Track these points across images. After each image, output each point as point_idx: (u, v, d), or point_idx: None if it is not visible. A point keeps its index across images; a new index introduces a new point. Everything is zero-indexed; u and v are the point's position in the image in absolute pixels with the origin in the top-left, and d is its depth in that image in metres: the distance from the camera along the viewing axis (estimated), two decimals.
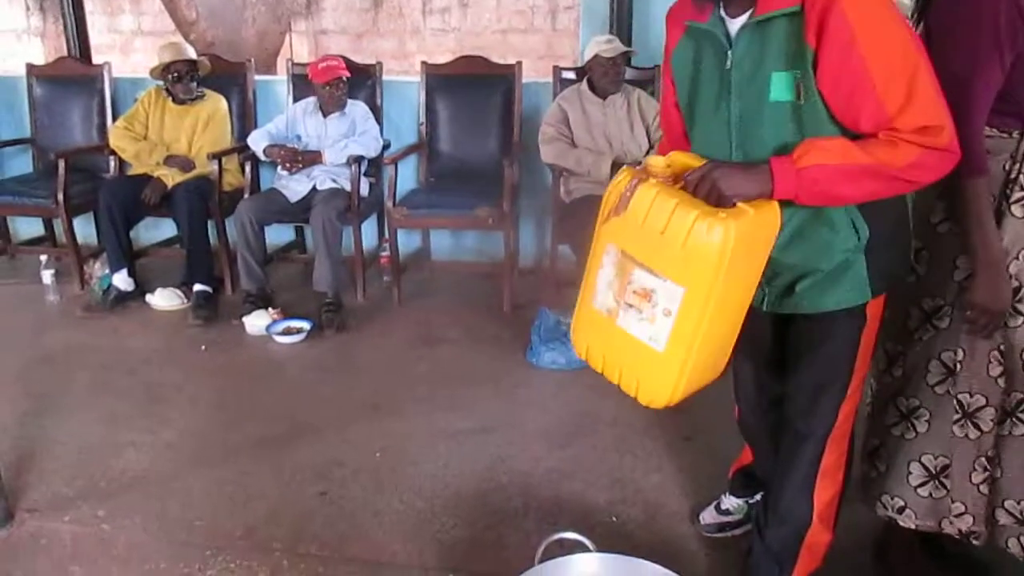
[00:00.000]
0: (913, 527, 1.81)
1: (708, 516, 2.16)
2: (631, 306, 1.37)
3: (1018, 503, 1.69)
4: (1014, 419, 1.65)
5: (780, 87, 1.37)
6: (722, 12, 1.43)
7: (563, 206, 3.54)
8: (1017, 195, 1.56)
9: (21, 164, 4.53)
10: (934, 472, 1.76)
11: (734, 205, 1.30)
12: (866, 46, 1.28)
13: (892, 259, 1.57)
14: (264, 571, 2.02)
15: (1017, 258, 1.57)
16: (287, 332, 3.48)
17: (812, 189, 1.33)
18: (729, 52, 1.43)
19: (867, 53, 1.29)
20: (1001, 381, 1.63)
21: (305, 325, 3.50)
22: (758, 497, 2.03)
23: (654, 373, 1.39)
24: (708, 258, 1.27)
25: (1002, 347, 1.62)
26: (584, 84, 3.53)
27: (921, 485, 1.78)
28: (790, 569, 1.75)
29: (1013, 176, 1.55)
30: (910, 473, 1.79)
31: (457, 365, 3.21)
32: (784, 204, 1.36)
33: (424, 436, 2.63)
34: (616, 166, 3.31)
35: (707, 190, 1.32)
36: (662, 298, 1.33)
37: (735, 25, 1.42)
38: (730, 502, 2.15)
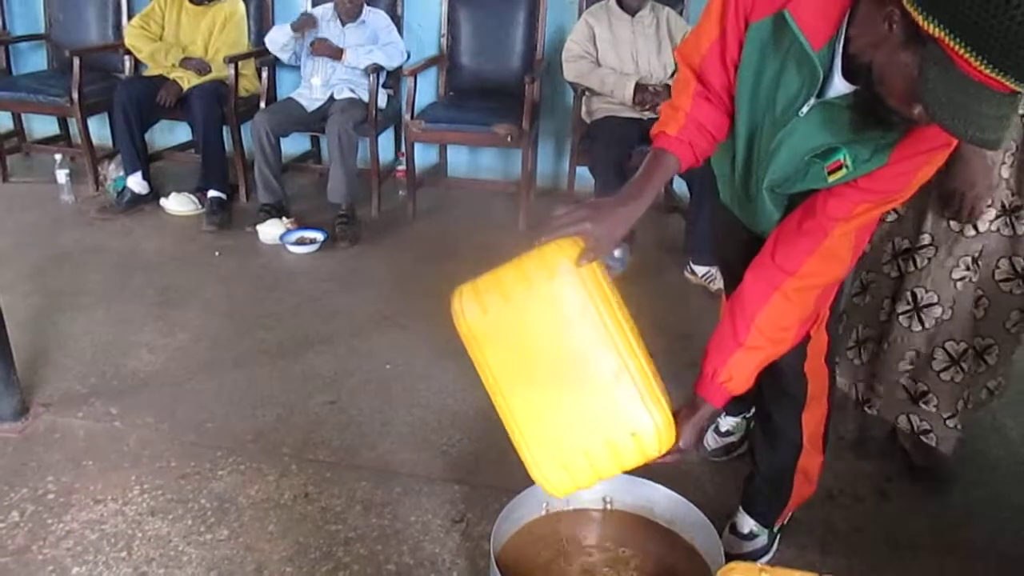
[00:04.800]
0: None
1: (711, 440, 2.18)
2: None
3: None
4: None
5: (826, 155, 1.28)
6: (838, 64, 1.18)
7: (584, 127, 3.47)
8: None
9: (35, 60, 4.46)
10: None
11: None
12: (903, 184, 1.29)
13: None
14: (273, 474, 2.06)
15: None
16: (300, 242, 3.48)
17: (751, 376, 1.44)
18: (812, 99, 1.23)
19: (897, 187, 1.29)
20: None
21: (319, 236, 3.49)
22: (754, 411, 2.03)
23: None
24: None
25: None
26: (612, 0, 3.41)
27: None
28: (787, 493, 1.77)
29: None
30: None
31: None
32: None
33: (433, 351, 2.64)
34: (640, 88, 3.24)
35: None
36: None
37: (840, 87, 1.20)
38: (728, 422, 2.18)
